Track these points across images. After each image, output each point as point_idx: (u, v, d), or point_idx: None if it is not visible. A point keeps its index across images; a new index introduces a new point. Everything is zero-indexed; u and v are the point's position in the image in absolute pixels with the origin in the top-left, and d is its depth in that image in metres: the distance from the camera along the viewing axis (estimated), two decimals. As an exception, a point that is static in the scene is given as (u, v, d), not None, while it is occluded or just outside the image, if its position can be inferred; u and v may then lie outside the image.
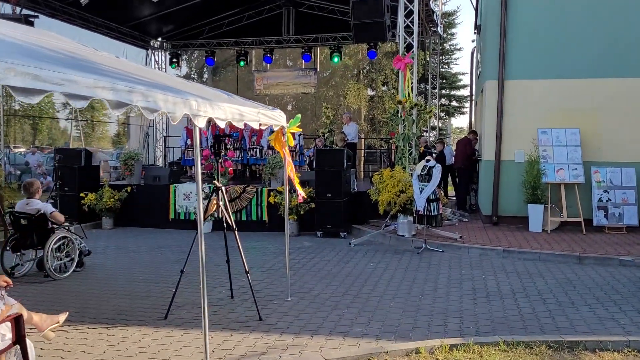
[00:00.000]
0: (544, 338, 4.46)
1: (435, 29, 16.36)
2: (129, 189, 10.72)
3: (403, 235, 8.95)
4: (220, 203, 5.21)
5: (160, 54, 17.25)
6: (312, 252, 8.21)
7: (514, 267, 7.14)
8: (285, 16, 15.96)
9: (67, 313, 4.18)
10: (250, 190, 10.30)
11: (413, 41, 10.05)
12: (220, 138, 5.54)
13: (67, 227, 6.85)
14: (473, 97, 17.90)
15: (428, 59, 18.42)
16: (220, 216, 5.30)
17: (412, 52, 10.01)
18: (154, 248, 8.63)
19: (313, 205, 9.60)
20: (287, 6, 15.71)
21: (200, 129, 3.79)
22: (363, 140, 23.34)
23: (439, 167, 8.20)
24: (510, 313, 5.24)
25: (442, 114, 29.21)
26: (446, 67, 30.84)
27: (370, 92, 28.77)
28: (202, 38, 16.84)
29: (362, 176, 16.61)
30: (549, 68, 9.86)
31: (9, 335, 3.19)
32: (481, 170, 11.39)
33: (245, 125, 4.58)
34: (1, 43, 2.86)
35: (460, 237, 8.67)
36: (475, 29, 16.57)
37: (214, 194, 5.23)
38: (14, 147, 24.41)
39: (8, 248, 6.54)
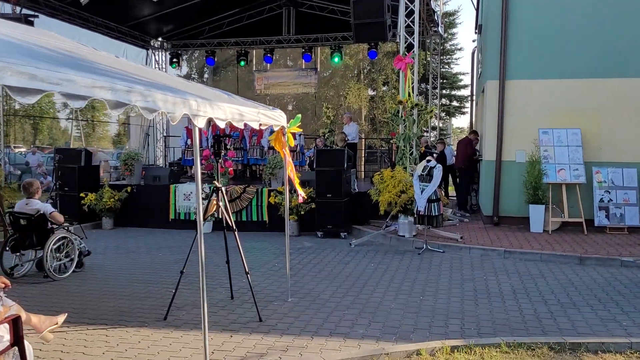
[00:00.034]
0: (545, 339, 4.43)
1: (435, 29, 16.33)
2: (129, 189, 10.70)
3: (404, 236, 8.92)
4: (220, 203, 5.18)
5: (160, 53, 17.22)
6: (312, 253, 8.18)
7: (515, 268, 7.11)
8: (285, 16, 15.93)
9: (66, 314, 4.15)
10: (251, 191, 10.28)
11: (414, 41, 10.02)
12: (220, 138, 5.51)
13: (66, 228, 6.83)
14: (474, 97, 17.87)
15: (429, 58, 18.39)
16: (220, 216, 5.28)
17: (413, 52, 9.99)
18: (153, 248, 8.61)
19: (313, 206, 9.57)
20: (288, 6, 15.69)
21: (200, 129, 3.77)
22: (364, 140, 23.34)
23: (439, 167, 8.17)
24: (511, 314, 5.21)
25: (443, 114, 29.20)
26: (447, 67, 30.85)
27: (370, 92, 28.75)
28: (202, 38, 16.81)
29: (363, 176, 16.59)
30: (550, 68, 9.83)
31: (7, 337, 3.17)
32: (482, 171, 11.36)
33: (245, 125, 4.56)
34: (-1, 42, 2.83)
35: (461, 237, 8.64)
36: (475, 28, 16.56)
37: (214, 195, 5.21)
38: (15, 147, 24.41)
39: (7, 248, 6.51)
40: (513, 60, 9.95)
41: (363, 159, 19.83)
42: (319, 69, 22.15)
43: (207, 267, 6.37)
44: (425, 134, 15.89)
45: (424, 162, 8.30)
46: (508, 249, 7.92)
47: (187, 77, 29.93)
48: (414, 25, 10.02)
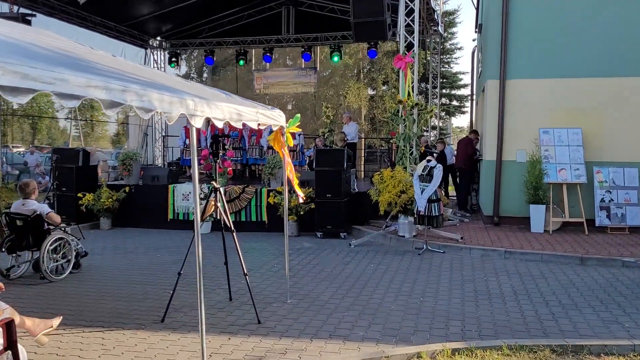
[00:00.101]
0: (547, 342, 4.38)
1: (435, 28, 16.27)
2: (127, 189, 10.63)
3: (404, 236, 8.87)
4: (219, 204, 5.13)
5: (159, 53, 17.16)
6: (312, 253, 8.13)
7: (516, 269, 7.06)
8: (285, 15, 15.87)
9: (61, 317, 4.10)
10: (250, 191, 10.22)
11: (414, 40, 9.97)
12: (218, 138, 5.46)
13: (63, 229, 6.77)
14: (474, 97, 17.82)
15: (429, 58, 18.33)
16: (218, 217, 5.22)
17: (413, 51, 9.94)
18: (152, 249, 8.55)
19: (313, 206, 9.52)
20: (287, 5, 15.62)
21: (199, 129, 3.71)
22: (363, 140, 23.28)
23: (440, 167, 8.12)
24: (512, 315, 5.16)
25: (443, 114, 29.15)
26: (447, 66, 30.78)
27: (370, 92, 28.68)
28: (201, 37, 16.74)
29: (363, 176, 16.54)
30: (550, 67, 9.77)
31: (0, 341, 3.11)
32: (482, 170, 11.31)
33: (244, 125, 4.51)
34: (-8, 41, 2.78)
35: (462, 237, 8.59)
36: (476, 28, 16.51)
37: (212, 195, 5.15)
38: (13, 147, 24.34)
39: (3, 249, 6.45)
40: (513, 59, 9.90)
41: (363, 158, 19.79)
42: (318, 69, 22.10)
43: (205, 268, 6.34)
44: (425, 133, 15.84)
45: (424, 162, 8.25)
46: (509, 249, 7.87)
47: (186, 76, 29.87)
48: (413, 24, 9.97)
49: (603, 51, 9.55)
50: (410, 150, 9.66)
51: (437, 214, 8.06)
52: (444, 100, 29.88)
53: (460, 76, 31.89)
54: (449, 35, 30.28)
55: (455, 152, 13.47)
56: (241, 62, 17.39)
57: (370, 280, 6.45)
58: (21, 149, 25.06)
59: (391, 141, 13.19)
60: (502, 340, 4.42)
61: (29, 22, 9.71)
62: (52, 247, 6.42)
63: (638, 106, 9.47)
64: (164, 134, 17.01)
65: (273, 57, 17.51)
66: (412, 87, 9.69)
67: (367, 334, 4.65)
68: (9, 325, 3.13)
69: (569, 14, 9.75)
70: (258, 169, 13.45)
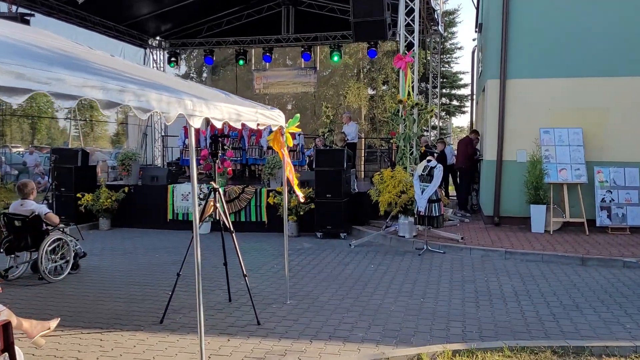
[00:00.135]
0: (548, 343, 4.35)
1: (436, 28, 16.25)
2: (126, 189, 10.60)
3: (404, 237, 8.84)
4: (218, 205, 5.10)
5: (158, 52, 17.12)
6: (311, 254, 8.10)
7: (517, 269, 7.03)
8: (284, 15, 15.83)
9: (59, 319, 4.07)
10: (249, 191, 10.19)
11: (414, 40, 9.94)
12: (217, 138, 5.42)
13: (62, 229, 6.74)
14: (474, 96, 17.79)
15: (429, 57, 18.31)
16: (217, 218, 5.19)
17: (413, 50, 9.91)
18: (151, 249, 8.52)
19: (313, 206, 9.49)
20: (287, 5, 15.58)
21: (198, 129, 3.69)
22: (363, 139, 23.26)
23: (440, 167, 8.09)
24: (513, 316, 5.14)
25: (443, 114, 29.12)
26: (447, 66, 30.77)
27: (370, 92, 28.66)
28: (201, 37, 16.70)
29: (363, 176, 16.52)
30: (551, 67, 9.75)
31: (-4, 343, 3.09)
32: (483, 170, 11.29)
33: (243, 125, 4.47)
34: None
35: (462, 238, 8.56)
36: (476, 27, 16.48)
37: (211, 196, 5.12)
38: (12, 147, 24.29)
39: (2, 250, 6.42)
40: (514, 59, 9.87)
41: (363, 158, 19.76)
42: (318, 68, 22.07)
43: (204, 268, 6.32)
44: (425, 133, 15.80)
45: (424, 162, 8.22)
46: (509, 249, 7.84)
47: (186, 76, 29.85)
48: (414, 23, 9.94)
49: (604, 51, 9.52)
50: (410, 150, 9.63)
51: (437, 214, 8.02)
52: (444, 100, 29.86)
53: (461, 76, 31.90)
54: (449, 35, 30.27)
55: (456, 152, 13.44)
56: (241, 62, 17.35)
57: (371, 281, 6.42)
58: (20, 149, 25.02)
59: (391, 141, 13.15)
60: (503, 341, 4.38)
61: (27, 22, 9.67)
62: (50, 248, 6.39)
63: (639, 106, 9.44)
64: (163, 134, 16.97)
65: (273, 56, 17.47)
66: (412, 87, 9.66)
67: (367, 335, 4.62)
68: (6, 327, 3.11)
69: (570, 14, 9.72)
70: (258, 169, 13.42)
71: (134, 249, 8.56)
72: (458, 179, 12.79)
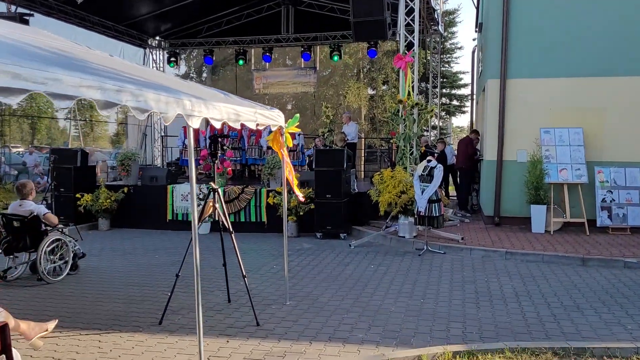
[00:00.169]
0: (549, 344, 4.32)
1: (436, 27, 16.21)
2: (125, 189, 10.58)
3: (404, 237, 8.82)
4: (217, 205, 5.07)
5: (158, 52, 17.09)
6: (311, 254, 8.08)
7: (517, 270, 7.01)
8: (284, 14, 15.81)
9: (57, 320, 4.05)
10: (249, 191, 10.17)
11: (414, 39, 9.92)
12: (216, 139, 5.40)
13: (60, 229, 6.71)
14: (474, 96, 17.77)
15: (429, 57, 18.28)
16: (216, 218, 5.17)
17: (413, 50, 9.89)
18: (150, 250, 8.50)
19: (312, 206, 9.47)
20: (287, 4, 15.56)
21: (197, 129, 3.67)
22: (363, 139, 23.23)
23: (440, 167, 8.07)
24: (514, 317, 5.11)
25: (443, 113, 29.10)
26: (447, 65, 30.74)
27: (370, 91, 28.63)
28: (200, 37, 16.68)
29: (363, 176, 16.49)
30: (551, 66, 9.72)
31: (-7, 345, 3.06)
32: (483, 170, 11.26)
33: (242, 125, 4.45)
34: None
35: (462, 238, 8.54)
36: (476, 27, 16.45)
37: (211, 196, 5.09)
38: (13, 147, 24.26)
39: (0, 251, 6.40)
40: (514, 58, 9.85)
41: (363, 158, 19.73)
42: (318, 68, 22.05)
43: (204, 269, 6.30)
44: (425, 133, 15.78)
45: (424, 162, 8.19)
46: (510, 250, 7.82)
47: (186, 76, 29.82)
48: (414, 23, 9.92)
49: (604, 50, 9.49)
50: (410, 150, 9.61)
51: (437, 214, 8.00)
52: (444, 99, 29.84)
53: (461, 76, 31.87)
54: (449, 35, 30.24)
55: (456, 152, 13.42)
56: (240, 62, 17.32)
57: (370, 282, 6.40)
58: (20, 149, 25.01)
59: (391, 141, 13.13)
60: (504, 342, 4.36)
61: (26, 22, 9.66)
62: (49, 249, 6.37)
63: (639, 105, 9.41)
64: (163, 134, 16.94)
65: (272, 56, 17.44)
66: (412, 87, 9.64)
67: (367, 337, 4.60)
68: (3, 329, 3.08)
69: (570, 13, 9.69)
70: (257, 169, 13.40)
71: (133, 250, 8.53)
72: (458, 179, 12.77)
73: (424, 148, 10.81)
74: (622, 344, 4.34)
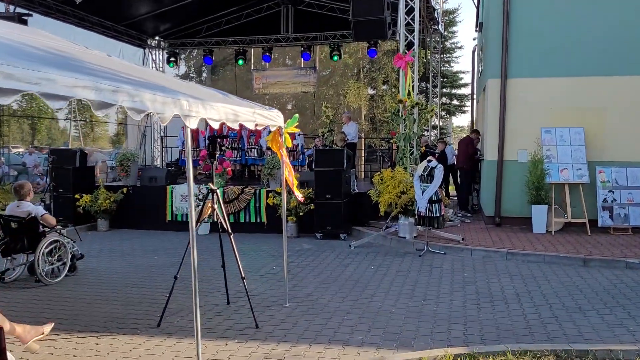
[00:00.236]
0: (551, 347, 4.27)
1: (436, 27, 16.18)
2: (124, 190, 10.54)
3: (404, 237, 8.78)
4: (215, 206, 5.03)
5: (157, 52, 17.05)
6: (311, 255, 8.04)
7: (518, 270, 6.97)
8: (284, 14, 15.77)
9: (53, 323, 4.01)
10: (249, 191, 10.13)
11: (414, 39, 9.89)
12: (215, 139, 5.36)
13: (59, 231, 6.67)
14: (474, 96, 17.72)
15: (429, 57, 18.24)
16: (215, 219, 5.13)
17: (413, 50, 9.85)
18: (149, 251, 8.46)
19: (312, 207, 9.43)
20: (286, 4, 15.52)
21: (196, 129, 3.63)
22: (363, 139, 23.18)
23: (440, 167, 8.02)
24: (515, 319, 5.07)
25: (443, 113, 29.05)
26: (447, 65, 30.68)
27: (370, 91, 28.59)
28: (200, 37, 16.64)
29: (363, 176, 16.44)
30: (552, 66, 9.68)
31: (-12, 349, 3.02)
32: (483, 170, 11.22)
33: (241, 125, 4.41)
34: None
35: (463, 238, 8.49)
36: (476, 26, 16.39)
37: (209, 197, 5.05)
38: (13, 147, 24.23)
39: (-2, 252, 6.37)
40: (514, 58, 9.80)
41: (363, 158, 19.69)
42: (318, 68, 22.00)
43: (203, 270, 6.25)
44: (425, 133, 15.74)
45: (424, 162, 8.15)
46: (510, 250, 7.77)
47: (185, 76, 29.79)
48: (414, 23, 9.88)
49: (605, 50, 9.45)
50: (410, 150, 9.57)
51: (438, 214, 7.96)
52: (444, 99, 29.79)
53: (461, 75, 31.79)
54: (450, 34, 30.18)
55: (456, 151, 13.38)
56: (240, 62, 17.28)
57: (371, 283, 6.35)
58: (20, 150, 24.97)
59: (391, 141, 13.07)
60: (505, 344, 4.32)
61: (25, 22, 9.62)
62: (47, 250, 6.33)
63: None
64: (162, 134, 16.90)
65: (272, 56, 17.40)
66: (413, 87, 9.60)
67: (367, 339, 4.55)
68: (-2, 333, 3.04)
69: (570, 12, 9.65)
70: (257, 169, 13.35)
71: (132, 251, 8.50)
72: (459, 179, 12.72)
73: (424, 148, 10.77)
74: (625, 346, 4.29)
